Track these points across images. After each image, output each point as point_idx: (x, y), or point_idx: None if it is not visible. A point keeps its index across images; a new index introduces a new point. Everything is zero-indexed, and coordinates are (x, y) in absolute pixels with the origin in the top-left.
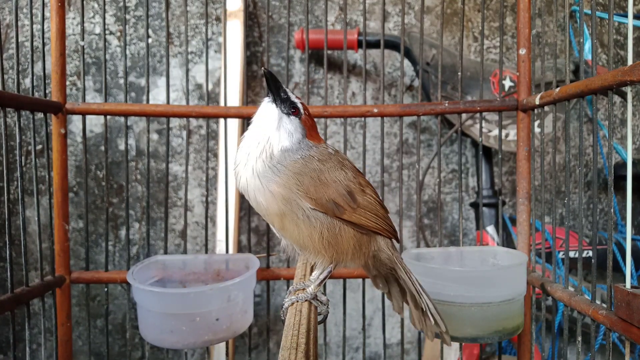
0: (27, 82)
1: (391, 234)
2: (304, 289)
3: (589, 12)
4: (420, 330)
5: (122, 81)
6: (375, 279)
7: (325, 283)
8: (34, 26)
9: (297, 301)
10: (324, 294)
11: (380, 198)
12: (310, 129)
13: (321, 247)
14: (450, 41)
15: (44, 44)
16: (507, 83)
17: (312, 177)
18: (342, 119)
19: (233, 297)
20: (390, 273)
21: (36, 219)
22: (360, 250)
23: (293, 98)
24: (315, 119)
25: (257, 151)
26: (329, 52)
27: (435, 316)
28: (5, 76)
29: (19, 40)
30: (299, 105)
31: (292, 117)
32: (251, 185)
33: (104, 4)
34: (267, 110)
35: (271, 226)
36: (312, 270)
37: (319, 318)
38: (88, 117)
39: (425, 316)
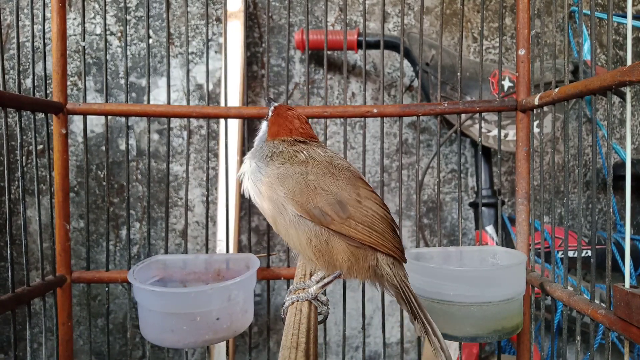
0: (28, 82)
1: (391, 250)
2: (304, 289)
3: (588, 12)
4: None
5: (122, 81)
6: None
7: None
8: (35, 26)
9: (298, 300)
10: (324, 294)
11: (385, 212)
12: (273, 127)
13: (311, 254)
14: (450, 42)
15: (44, 45)
16: (507, 83)
17: (298, 181)
18: (342, 119)
19: (233, 296)
20: (398, 293)
21: (37, 218)
22: (358, 264)
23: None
24: (316, 120)
25: (247, 158)
26: (329, 52)
27: (435, 342)
28: (6, 76)
29: (20, 40)
30: (269, 109)
31: (263, 121)
32: (246, 186)
33: (105, 5)
34: None
35: None
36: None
37: (319, 318)
38: (89, 117)
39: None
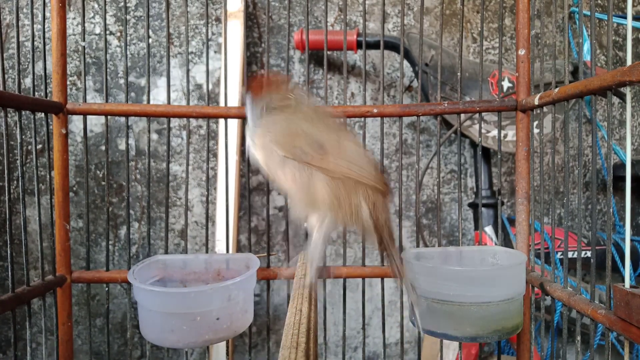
0: (28, 82)
1: (373, 181)
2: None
3: (588, 13)
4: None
5: (122, 81)
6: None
7: (324, 282)
8: (35, 26)
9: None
10: (324, 294)
11: (366, 153)
12: (254, 91)
13: (297, 190)
14: (450, 42)
15: (44, 44)
16: (506, 84)
17: (281, 126)
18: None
19: (233, 296)
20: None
21: (37, 218)
22: (339, 203)
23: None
24: None
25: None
26: (329, 52)
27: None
28: (6, 76)
29: (20, 40)
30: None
31: (248, 95)
32: (247, 144)
33: (104, 5)
34: None
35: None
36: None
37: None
38: (88, 117)
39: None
